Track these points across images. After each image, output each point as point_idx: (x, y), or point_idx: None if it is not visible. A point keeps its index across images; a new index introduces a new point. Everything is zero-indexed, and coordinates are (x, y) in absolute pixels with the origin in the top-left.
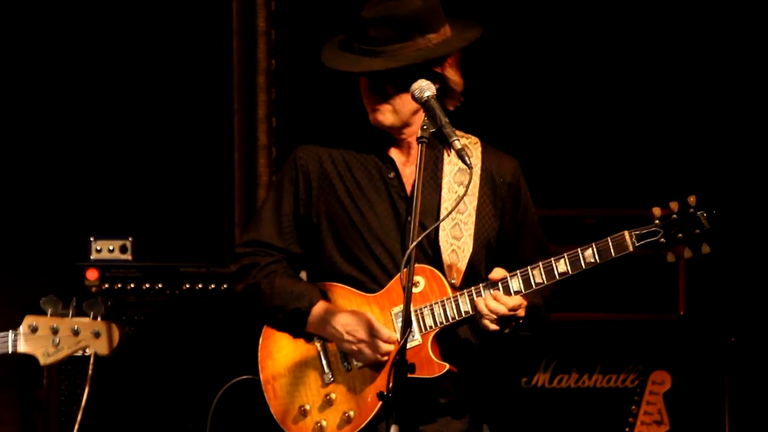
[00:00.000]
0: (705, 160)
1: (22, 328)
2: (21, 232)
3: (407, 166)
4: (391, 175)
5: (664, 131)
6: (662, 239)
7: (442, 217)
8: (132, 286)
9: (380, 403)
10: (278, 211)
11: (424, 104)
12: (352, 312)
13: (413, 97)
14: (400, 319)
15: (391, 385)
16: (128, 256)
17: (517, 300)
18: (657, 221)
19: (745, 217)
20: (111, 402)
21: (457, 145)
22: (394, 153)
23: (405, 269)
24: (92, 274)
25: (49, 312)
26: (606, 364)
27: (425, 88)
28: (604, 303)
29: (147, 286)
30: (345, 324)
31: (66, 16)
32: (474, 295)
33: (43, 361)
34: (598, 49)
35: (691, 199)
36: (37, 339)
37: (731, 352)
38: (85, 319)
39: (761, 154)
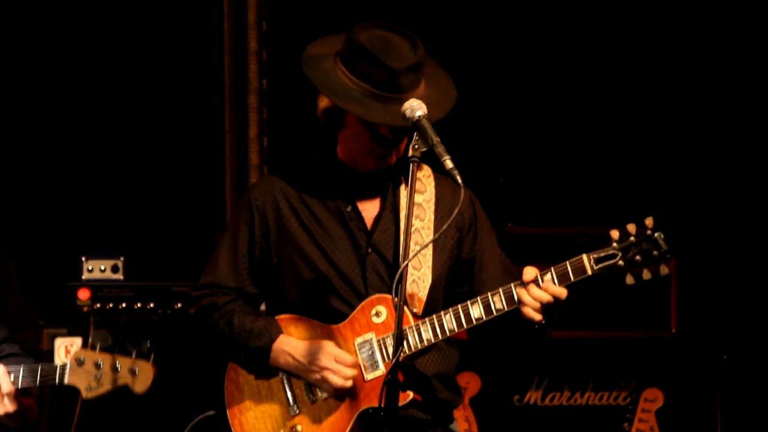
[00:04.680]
0: (699, 178)
1: (70, 361)
2: (12, 251)
3: (368, 199)
4: (349, 208)
5: (656, 151)
6: (620, 262)
7: (434, 236)
8: (124, 305)
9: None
10: (234, 252)
11: (415, 124)
12: (313, 342)
13: (404, 118)
14: (364, 349)
15: (382, 405)
16: (120, 276)
17: (562, 290)
18: (615, 244)
19: (737, 234)
20: (101, 422)
21: (449, 164)
22: (354, 186)
23: (395, 297)
24: (84, 294)
25: (98, 347)
26: (598, 382)
27: (416, 107)
28: (596, 321)
29: (139, 305)
30: (306, 354)
31: (60, 35)
32: (441, 318)
33: (85, 394)
34: (590, 67)
35: (648, 221)
36: (82, 372)
37: (723, 370)
38: (126, 357)
39: (750, 172)
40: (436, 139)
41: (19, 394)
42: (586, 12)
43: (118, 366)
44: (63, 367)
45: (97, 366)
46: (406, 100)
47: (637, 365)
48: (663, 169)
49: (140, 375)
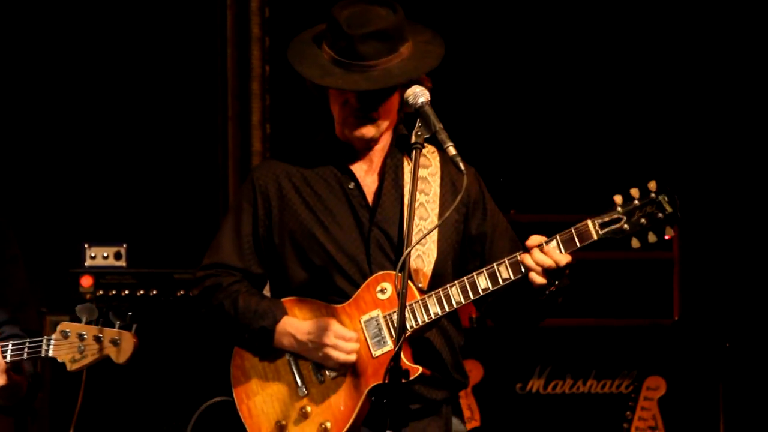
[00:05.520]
0: (702, 166)
1: (55, 334)
2: (16, 237)
3: (368, 176)
4: (351, 185)
5: (659, 138)
6: (625, 225)
7: (440, 220)
8: (126, 292)
9: (356, 411)
10: (237, 232)
11: (418, 110)
12: (314, 320)
13: (407, 104)
14: (371, 326)
15: (386, 386)
16: (122, 263)
17: (565, 257)
18: (619, 208)
19: (740, 222)
20: (105, 409)
21: (452, 150)
22: (353, 163)
23: (400, 274)
24: (87, 281)
25: (84, 319)
26: (600, 370)
27: (419, 94)
28: (598, 308)
29: (141, 292)
30: (308, 333)
31: (63, 24)
32: (449, 288)
33: (69, 366)
34: (591, 54)
35: (652, 185)
36: (66, 345)
37: (726, 358)
38: (108, 328)
39: (753, 161)
40: (438, 126)
41: (10, 370)
42: (587, 2)
43: (102, 337)
44: (48, 339)
45: (81, 338)
46: (371, 68)
47: (639, 353)
48: (666, 157)
49: (121, 345)
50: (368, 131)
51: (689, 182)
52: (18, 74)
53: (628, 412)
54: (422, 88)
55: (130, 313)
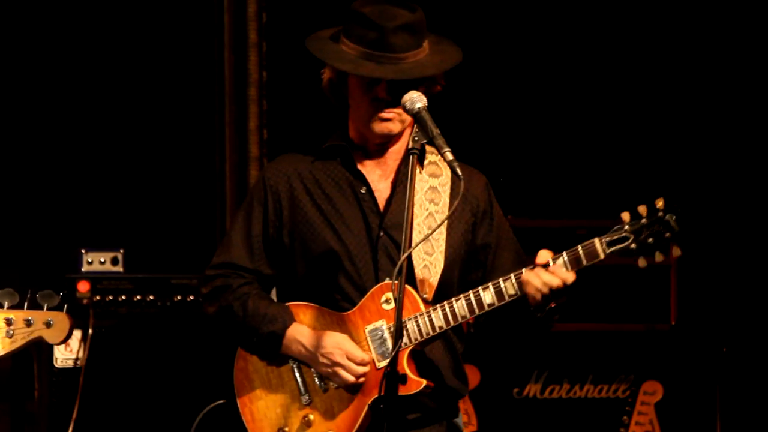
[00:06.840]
0: (697, 171)
1: None
2: (12, 243)
3: (381, 181)
4: (363, 189)
5: (654, 143)
6: (633, 245)
7: (429, 233)
8: (123, 298)
9: (359, 421)
10: (248, 232)
11: (415, 115)
12: (327, 334)
13: (404, 109)
14: (375, 337)
15: (383, 394)
16: (119, 268)
17: (572, 276)
18: (627, 227)
19: (736, 226)
20: (102, 415)
21: (449, 156)
22: (367, 167)
23: (396, 281)
24: (83, 286)
25: (6, 305)
26: (597, 375)
27: (416, 99)
28: (595, 313)
29: (138, 298)
30: (320, 346)
31: (61, 30)
32: (464, 298)
33: None
34: (588, 59)
35: (659, 203)
36: None
37: (722, 362)
38: (38, 311)
39: (749, 165)
40: (435, 131)
41: None
42: (586, 5)
43: (32, 320)
44: None
45: (9, 322)
46: (402, 60)
47: (636, 358)
48: (661, 162)
49: (55, 326)
50: (395, 126)
51: (686, 187)
52: (18, 81)
53: (625, 417)
54: (419, 93)
55: (62, 293)
